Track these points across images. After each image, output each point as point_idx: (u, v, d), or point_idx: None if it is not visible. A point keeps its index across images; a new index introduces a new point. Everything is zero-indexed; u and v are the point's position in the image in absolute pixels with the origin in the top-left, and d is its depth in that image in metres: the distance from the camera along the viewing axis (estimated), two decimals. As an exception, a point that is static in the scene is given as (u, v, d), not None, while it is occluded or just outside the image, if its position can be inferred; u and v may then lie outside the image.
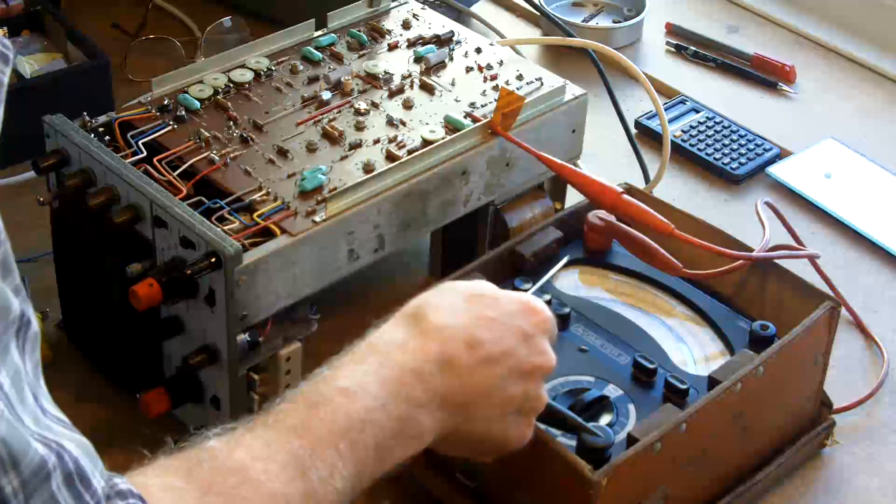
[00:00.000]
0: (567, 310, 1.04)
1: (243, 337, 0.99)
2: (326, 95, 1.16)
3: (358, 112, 1.14)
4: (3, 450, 0.56)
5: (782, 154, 1.41)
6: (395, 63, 1.22)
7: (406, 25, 1.27)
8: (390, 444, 0.79)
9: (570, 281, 1.08)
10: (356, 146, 1.10)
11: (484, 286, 0.88)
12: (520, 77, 1.20)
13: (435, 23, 1.28)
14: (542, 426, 0.91)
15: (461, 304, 0.85)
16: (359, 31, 1.25)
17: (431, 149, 1.09)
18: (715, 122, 1.44)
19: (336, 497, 0.75)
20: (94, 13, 1.52)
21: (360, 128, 1.12)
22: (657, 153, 1.36)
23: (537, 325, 0.86)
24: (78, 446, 0.61)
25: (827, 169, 1.38)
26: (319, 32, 1.25)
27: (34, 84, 1.31)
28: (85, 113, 1.08)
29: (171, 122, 1.11)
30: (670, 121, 1.42)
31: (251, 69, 1.18)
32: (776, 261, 1.05)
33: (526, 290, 1.00)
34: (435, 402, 0.81)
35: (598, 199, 1.06)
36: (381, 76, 1.19)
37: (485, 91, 1.19)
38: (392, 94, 1.17)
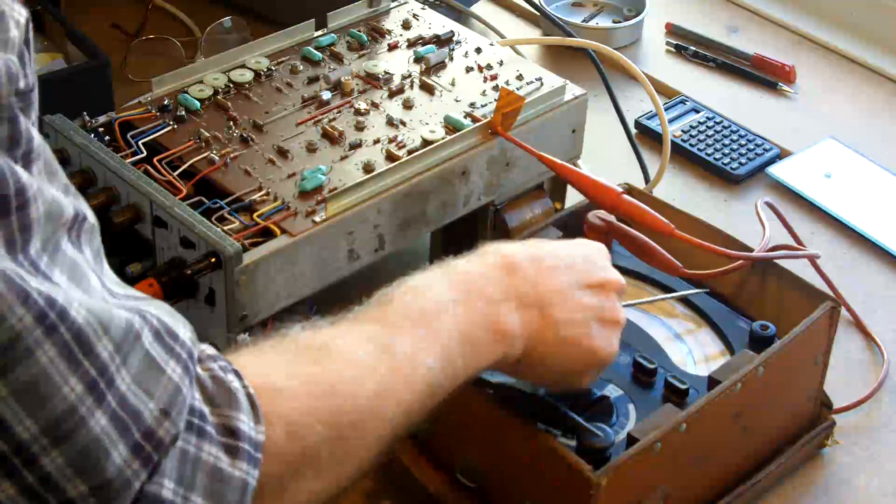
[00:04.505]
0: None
1: (243, 337, 0.99)
2: (326, 95, 1.16)
3: (358, 112, 1.14)
4: (92, 319, 0.58)
5: (782, 154, 1.41)
6: (395, 63, 1.22)
7: (406, 25, 1.27)
8: (478, 333, 0.82)
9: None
10: (356, 146, 1.10)
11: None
12: (520, 77, 1.20)
13: (435, 23, 1.28)
14: (543, 426, 0.91)
15: (516, 243, 0.90)
16: (359, 31, 1.25)
17: (431, 149, 1.09)
18: (715, 122, 1.44)
19: (427, 373, 0.78)
20: (94, 13, 1.52)
21: (360, 128, 1.13)
22: (657, 153, 1.36)
23: (598, 249, 0.91)
24: (156, 307, 0.64)
25: (827, 169, 1.38)
26: (319, 32, 1.25)
27: (34, 84, 1.31)
28: (85, 113, 1.08)
29: (171, 122, 1.11)
30: (670, 121, 1.42)
31: (251, 69, 1.18)
32: (776, 261, 1.05)
33: None
34: (511, 301, 0.84)
35: (598, 199, 1.06)
36: (381, 76, 1.19)
37: (485, 91, 1.19)
38: (392, 94, 1.17)
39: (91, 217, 0.64)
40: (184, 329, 0.65)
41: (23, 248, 0.58)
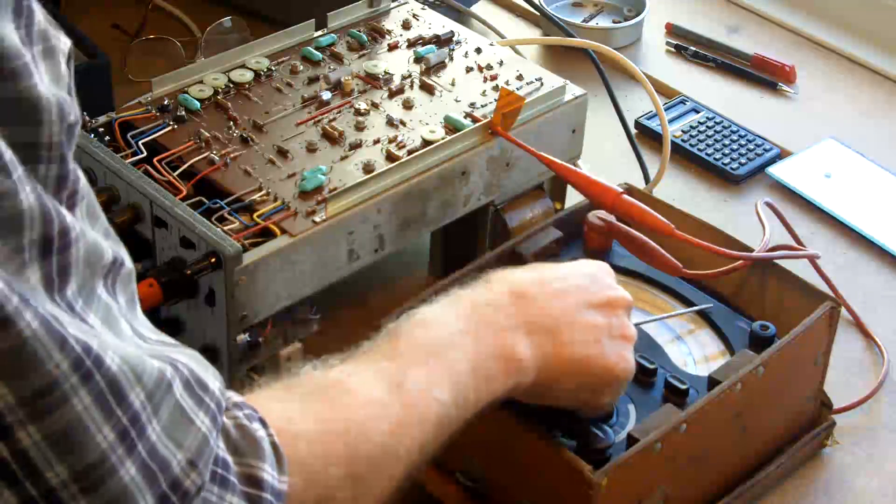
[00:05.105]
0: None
1: (243, 337, 0.99)
2: (326, 95, 1.16)
3: (358, 112, 1.14)
4: (126, 367, 0.57)
5: (782, 154, 1.41)
6: (395, 63, 1.22)
7: (406, 25, 1.27)
8: (489, 364, 0.81)
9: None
10: (356, 146, 1.10)
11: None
12: (520, 77, 1.20)
13: (435, 23, 1.28)
14: (543, 426, 0.91)
15: (520, 269, 0.90)
16: (359, 31, 1.25)
17: (431, 149, 1.09)
18: (715, 122, 1.44)
19: (440, 408, 0.78)
20: (94, 13, 1.52)
21: (360, 128, 1.13)
22: (657, 153, 1.36)
23: (602, 267, 0.92)
24: (186, 357, 0.63)
25: (827, 169, 1.38)
26: (319, 32, 1.25)
27: (34, 84, 1.31)
28: (85, 113, 1.08)
29: (171, 122, 1.11)
30: (670, 121, 1.42)
31: (251, 69, 1.18)
32: (776, 261, 1.05)
33: None
34: (520, 328, 0.84)
35: (598, 199, 1.06)
36: (381, 76, 1.19)
37: (485, 91, 1.19)
38: (392, 94, 1.17)
39: (128, 262, 0.63)
40: (213, 379, 0.64)
41: (60, 290, 0.57)
